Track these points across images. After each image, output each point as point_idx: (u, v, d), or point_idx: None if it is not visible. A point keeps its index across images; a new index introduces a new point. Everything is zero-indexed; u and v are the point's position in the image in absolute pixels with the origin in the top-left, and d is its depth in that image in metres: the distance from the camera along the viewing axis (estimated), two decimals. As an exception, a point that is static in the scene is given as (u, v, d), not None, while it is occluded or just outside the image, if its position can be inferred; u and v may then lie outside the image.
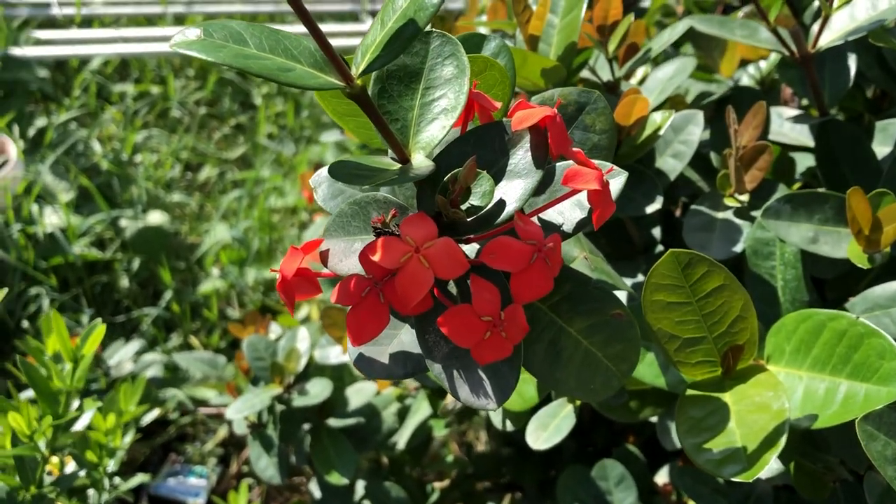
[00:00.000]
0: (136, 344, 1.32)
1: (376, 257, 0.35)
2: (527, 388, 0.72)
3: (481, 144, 0.40)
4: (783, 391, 0.48)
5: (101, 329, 0.73)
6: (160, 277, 1.70)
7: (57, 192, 1.81)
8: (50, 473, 0.75)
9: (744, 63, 0.90)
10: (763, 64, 0.89)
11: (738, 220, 0.68)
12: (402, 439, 0.98)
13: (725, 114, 0.68)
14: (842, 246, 0.59)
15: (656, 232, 0.75)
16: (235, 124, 2.39)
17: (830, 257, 0.59)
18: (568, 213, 0.42)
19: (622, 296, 0.63)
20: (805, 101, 0.79)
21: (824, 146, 0.68)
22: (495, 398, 0.38)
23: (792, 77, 0.75)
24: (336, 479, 0.90)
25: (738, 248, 0.66)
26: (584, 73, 0.78)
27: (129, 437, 0.87)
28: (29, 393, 1.10)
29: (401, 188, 0.44)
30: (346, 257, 0.40)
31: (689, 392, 0.52)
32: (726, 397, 0.50)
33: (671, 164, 0.71)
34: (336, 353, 0.97)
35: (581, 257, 0.54)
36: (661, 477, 0.83)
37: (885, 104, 0.81)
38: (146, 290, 1.75)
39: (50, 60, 2.32)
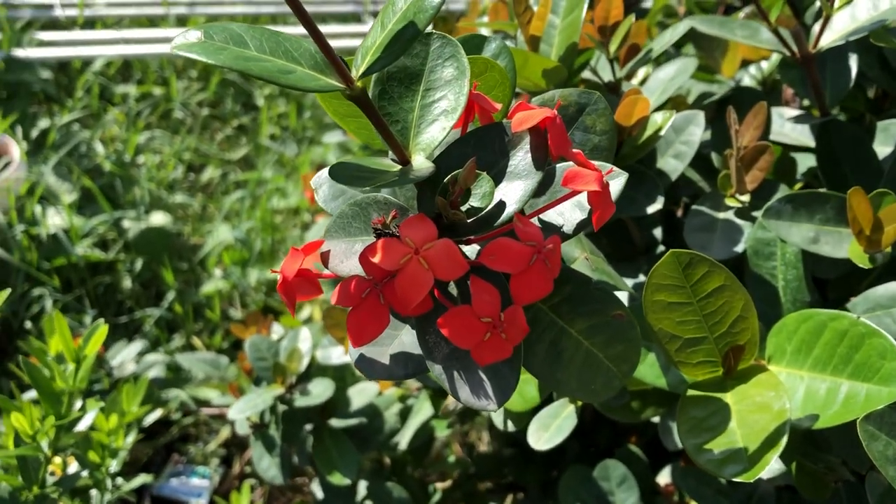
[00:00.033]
0: (138, 344, 1.32)
1: (376, 259, 0.35)
2: (528, 388, 0.72)
3: (481, 146, 0.40)
4: (784, 391, 0.48)
5: (103, 330, 0.73)
6: (163, 278, 1.70)
7: (60, 194, 1.81)
8: (53, 474, 0.75)
9: (745, 63, 0.90)
10: (764, 64, 0.89)
11: (739, 221, 0.68)
12: (404, 440, 0.98)
13: (726, 114, 0.68)
14: (843, 246, 0.59)
15: (658, 232, 0.75)
16: (238, 125, 2.40)
17: (832, 257, 0.59)
18: (568, 214, 0.42)
19: (623, 296, 0.63)
20: (806, 102, 0.79)
21: (825, 146, 0.68)
22: (496, 399, 0.38)
23: (793, 77, 0.75)
24: (338, 479, 0.90)
25: (739, 249, 0.66)
26: (586, 74, 0.78)
27: (131, 438, 0.87)
28: (32, 393, 1.10)
29: (401, 189, 0.44)
30: (346, 258, 0.40)
31: (690, 392, 0.52)
32: (727, 397, 0.50)
33: (672, 164, 0.71)
34: (338, 354, 0.97)
35: (582, 258, 0.54)
36: (664, 477, 0.83)
37: (887, 104, 0.80)
38: (149, 290, 1.76)
39: (53, 62, 2.33)
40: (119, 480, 0.87)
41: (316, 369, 1.00)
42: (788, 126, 0.75)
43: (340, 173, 0.37)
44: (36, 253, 1.64)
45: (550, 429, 0.72)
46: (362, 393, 1.01)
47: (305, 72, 0.35)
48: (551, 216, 0.43)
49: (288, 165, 2.19)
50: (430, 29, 0.39)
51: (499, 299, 0.37)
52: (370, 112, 0.38)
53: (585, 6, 0.69)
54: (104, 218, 1.78)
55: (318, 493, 0.98)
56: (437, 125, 0.40)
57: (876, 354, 0.48)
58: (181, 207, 2.03)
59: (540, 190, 0.42)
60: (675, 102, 0.80)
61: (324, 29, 2.65)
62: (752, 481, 0.43)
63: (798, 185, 0.76)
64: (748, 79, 0.90)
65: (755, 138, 0.67)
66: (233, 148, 2.31)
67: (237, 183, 2.16)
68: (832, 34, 0.66)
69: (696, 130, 0.70)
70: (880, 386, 0.47)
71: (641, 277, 0.71)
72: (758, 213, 0.66)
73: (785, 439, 0.44)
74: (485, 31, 0.95)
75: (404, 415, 1.01)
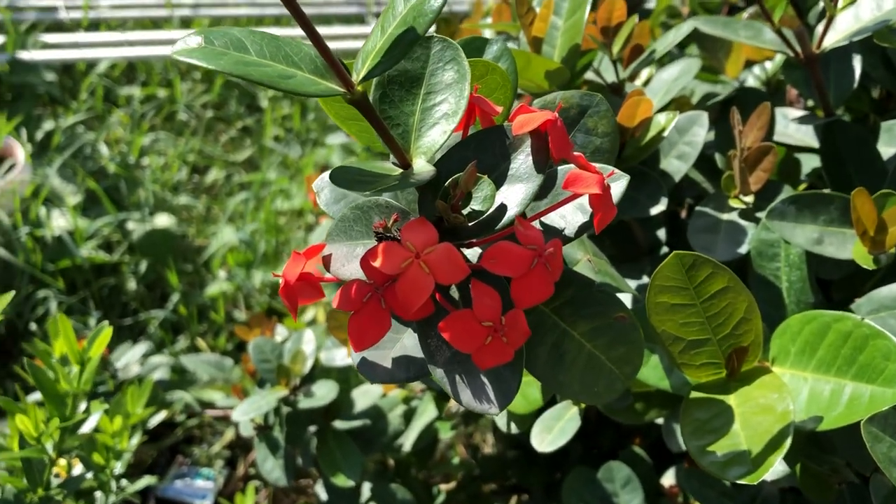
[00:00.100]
0: (143, 346, 1.33)
1: (377, 263, 0.35)
2: (531, 390, 0.72)
3: (482, 149, 0.40)
4: (788, 393, 0.48)
5: (108, 331, 0.73)
6: (167, 280, 1.71)
7: (64, 195, 1.82)
8: (57, 475, 0.75)
9: (749, 64, 0.90)
10: (768, 65, 0.89)
11: (742, 222, 0.68)
12: (408, 441, 0.98)
13: (730, 115, 0.68)
14: (847, 247, 0.59)
15: (661, 233, 0.75)
16: (242, 127, 2.40)
17: (836, 258, 0.59)
18: (570, 216, 0.42)
19: (626, 298, 0.63)
20: (810, 102, 0.79)
21: (829, 147, 0.67)
22: (497, 402, 0.38)
23: (797, 78, 0.75)
24: (342, 481, 0.90)
25: (742, 250, 0.65)
26: (589, 75, 0.77)
27: (135, 440, 0.87)
28: (36, 395, 1.11)
29: (403, 193, 0.44)
30: (348, 262, 0.40)
31: (694, 394, 0.52)
32: (731, 399, 0.50)
33: (676, 165, 0.71)
34: (342, 356, 0.97)
35: (585, 260, 0.54)
36: (668, 479, 0.82)
37: (891, 105, 0.80)
38: (153, 292, 1.76)
39: (57, 64, 2.34)
40: (123, 482, 0.87)
41: (320, 371, 1.01)
42: (792, 127, 0.74)
43: (341, 178, 0.37)
44: (40, 255, 1.65)
45: (554, 431, 0.72)
46: (366, 395, 1.01)
47: (305, 76, 0.35)
48: (553, 219, 0.43)
49: (292, 167, 2.19)
50: (432, 31, 0.39)
51: (500, 303, 0.37)
52: (371, 116, 0.38)
53: (588, 7, 0.69)
54: (109, 220, 1.78)
55: (322, 494, 0.98)
56: (437, 129, 0.40)
57: (880, 356, 0.47)
58: (185, 209, 2.03)
59: (541, 193, 0.42)
60: (678, 103, 0.79)
61: (328, 31, 2.66)
62: (755, 483, 0.43)
63: (802, 186, 0.76)
64: (752, 79, 0.90)
65: (759, 139, 0.67)
66: (237, 150, 2.31)
67: (241, 185, 2.16)
68: (836, 34, 0.66)
69: (700, 131, 0.70)
70: (884, 387, 0.46)
71: (645, 279, 0.71)
72: (761, 214, 0.66)
73: (789, 441, 0.44)
74: (488, 33, 0.95)
75: (408, 416, 1.01)
